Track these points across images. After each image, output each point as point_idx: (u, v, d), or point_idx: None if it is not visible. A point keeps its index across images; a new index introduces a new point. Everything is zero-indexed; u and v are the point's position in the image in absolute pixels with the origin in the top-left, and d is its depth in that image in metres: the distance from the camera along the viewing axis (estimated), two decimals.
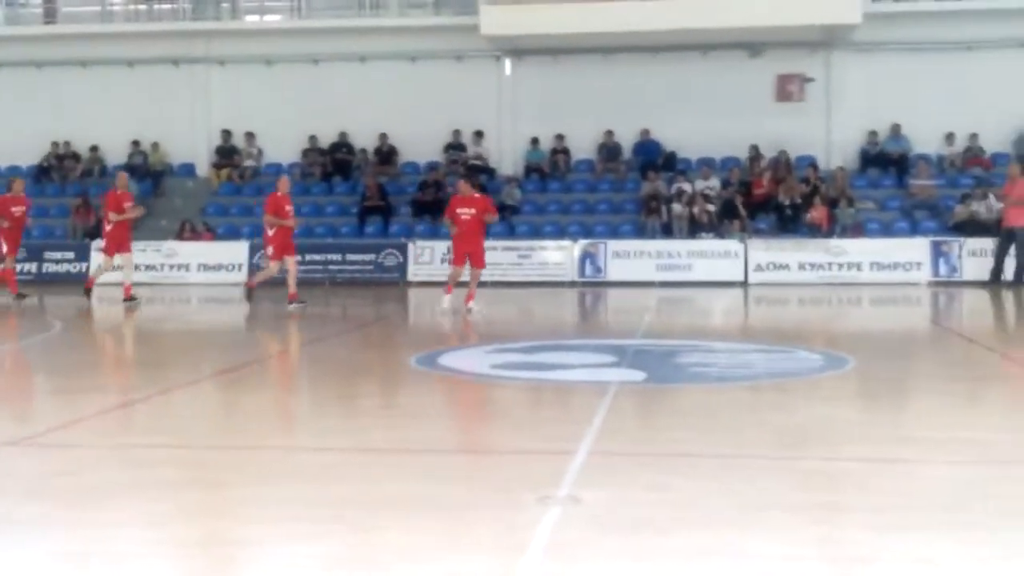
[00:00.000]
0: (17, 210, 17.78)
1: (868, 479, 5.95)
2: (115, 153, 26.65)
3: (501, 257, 22.26)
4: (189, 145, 26.65)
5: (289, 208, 16.50)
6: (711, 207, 23.16)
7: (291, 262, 16.50)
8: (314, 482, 5.77)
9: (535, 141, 25.45)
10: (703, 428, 7.41)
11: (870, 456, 6.52)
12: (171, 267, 22.98)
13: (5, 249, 17.64)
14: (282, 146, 26.24)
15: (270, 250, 16.53)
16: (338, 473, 6.00)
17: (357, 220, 24.16)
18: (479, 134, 25.58)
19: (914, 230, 22.58)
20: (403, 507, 5.23)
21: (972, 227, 21.76)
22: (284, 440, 7.10)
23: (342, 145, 26.00)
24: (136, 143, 26.60)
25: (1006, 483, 5.81)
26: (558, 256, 22.35)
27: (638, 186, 24.40)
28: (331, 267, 22.75)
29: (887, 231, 22.79)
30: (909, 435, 7.31)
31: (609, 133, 25.13)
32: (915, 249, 21.50)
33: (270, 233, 16.43)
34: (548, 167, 25.34)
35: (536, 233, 23.62)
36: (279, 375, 10.32)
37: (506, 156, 25.84)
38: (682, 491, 5.60)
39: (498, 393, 9.02)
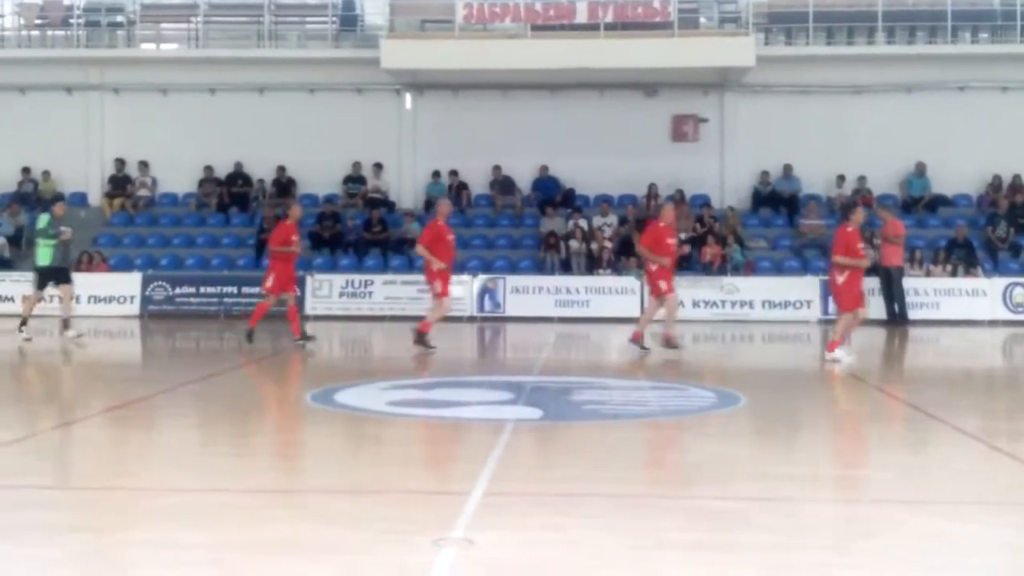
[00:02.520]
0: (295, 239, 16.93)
1: (758, 517, 6.05)
2: (5, 181, 25.98)
3: (400, 291, 22.21)
4: (81, 174, 26.11)
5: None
6: (609, 244, 23.41)
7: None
8: (201, 525, 5.66)
9: (436, 174, 25.49)
10: (598, 466, 7.45)
11: (760, 494, 6.63)
12: (60, 298, 22.34)
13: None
14: (178, 176, 25.86)
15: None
16: (226, 516, 5.89)
17: (254, 252, 23.88)
18: (379, 167, 25.53)
19: (804, 268, 23.09)
20: (292, 550, 5.16)
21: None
22: (171, 481, 6.95)
23: (239, 176, 25.73)
24: (27, 170, 25.98)
25: (890, 522, 5.94)
26: (457, 291, 22.27)
27: (537, 222, 24.57)
28: (227, 299, 22.43)
29: (778, 269, 23.28)
30: (798, 473, 7.45)
31: (497, 168, 25.25)
32: (805, 287, 21.99)
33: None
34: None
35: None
36: (170, 412, 10.12)
37: (406, 189, 25.83)
38: (576, 531, 5.63)
39: (393, 431, 8.96)
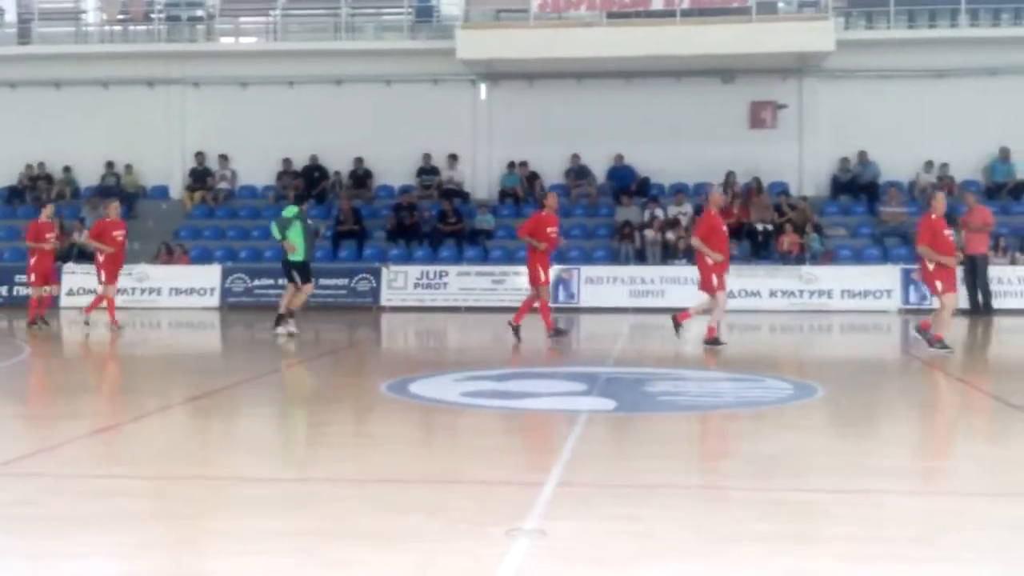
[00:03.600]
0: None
1: (836, 509, 5.98)
2: (89, 175, 26.54)
3: (475, 282, 22.28)
4: (163, 167, 26.57)
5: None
6: (684, 233, 23.23)
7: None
8: (282, 514, 5.74)
9: (511, 165, 25.50)
10: (672, 458, 7.42)
11: (838, 486, 6.55)
12: (143, 291, 22.84)
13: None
14: (257, 168, 26.20)
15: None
16: (306, 504, 5.97)
17: (331, 244, 24.11)
18: (453, 158, 25.62)
19: (885, 257, 22.72)
20: (371, 539, 5.21)
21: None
22: (251, 470, 7.06)
23: (315, 168, 25.98)
24: (110, 164, 26.50)
25: (971, 515, 5.84)
26: None
27: (611, 212, 24.47)
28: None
29: (858, 258, 22.93)
30: (877, 464, 7.34)
31: (576, 157, 25.20)
32: (886, 276, 21.63)
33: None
34: (522, 192, 25.38)
35: (510, 258, 23.61)
36: (249, 402, 10.27)
37: (480, 180, 25.88)
38: (650, 522, 5.61)
39: (467, 422, 9.00)
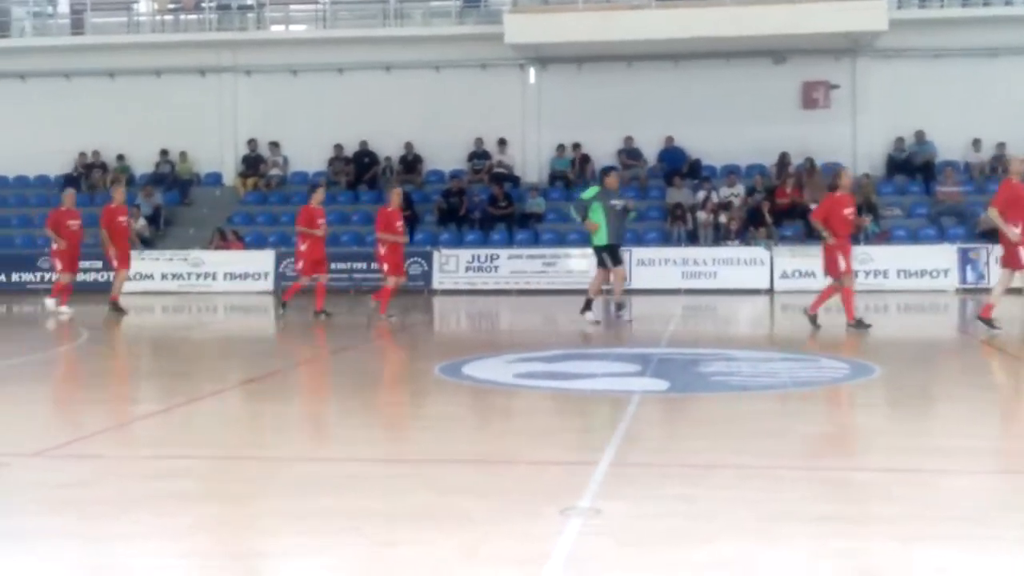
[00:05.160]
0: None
1: (891, 489, 5.91)
2: (143, 163, 26.85)
3: (526, 265, 22.31)
4: (216, 154, 26.82)
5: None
6: (737, 214, 23.09)
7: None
8: (335, 494, 5.78)
9: (560, 148, 25.46)
10: (726, 438, 7.37)
11: (893, 466, 6.48)
12: (197, 276, 23.09)
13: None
14: (308, 155, 26.37)
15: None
16: (359, 484, 6.00)
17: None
18: (503, 142, 25.61)
19: (941, 237, 22.43)
20: (423, 519, 5.23)
21: (1000, 234, 21.55)
22: (305, 451, 7.12)
23: (365, 154, 26.09)
24: (164, 152, 26.78)
25: None
26: (583, 264, 22.27)
27: (663, 194, 24.36)
28: (356, 275, 22.82)
29: (914, 238, 22.65)
30: (933, 445, 7.25)
31: (629, 139, 25.11)
32: (942, 256, 21.36)
33: (382, 251, 16.16)
34: (572, 175, 25.33)
35: (561, 241, 23.62)
36: (303, 385, 10.35)
37: (530, 164, 25.86)
38: (704, 502, 5.58)
39: (520, 403, 9.01)
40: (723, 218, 23.18)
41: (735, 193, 23.63)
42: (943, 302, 19.42)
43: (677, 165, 24.72)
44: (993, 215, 13.01)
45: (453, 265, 22.65)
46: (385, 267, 16.19)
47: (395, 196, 16.48)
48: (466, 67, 25.67)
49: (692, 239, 23.10)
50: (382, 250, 16.13)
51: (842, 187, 13.73)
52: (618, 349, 12.44)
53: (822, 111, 24.67)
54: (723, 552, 4.76)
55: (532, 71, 25.77)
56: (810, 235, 22.68)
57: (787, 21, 22.68)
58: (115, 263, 17.43)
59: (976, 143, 24.06)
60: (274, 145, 26.54)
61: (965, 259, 21.31)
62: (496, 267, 22.56)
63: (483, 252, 22.90)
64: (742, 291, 21.08)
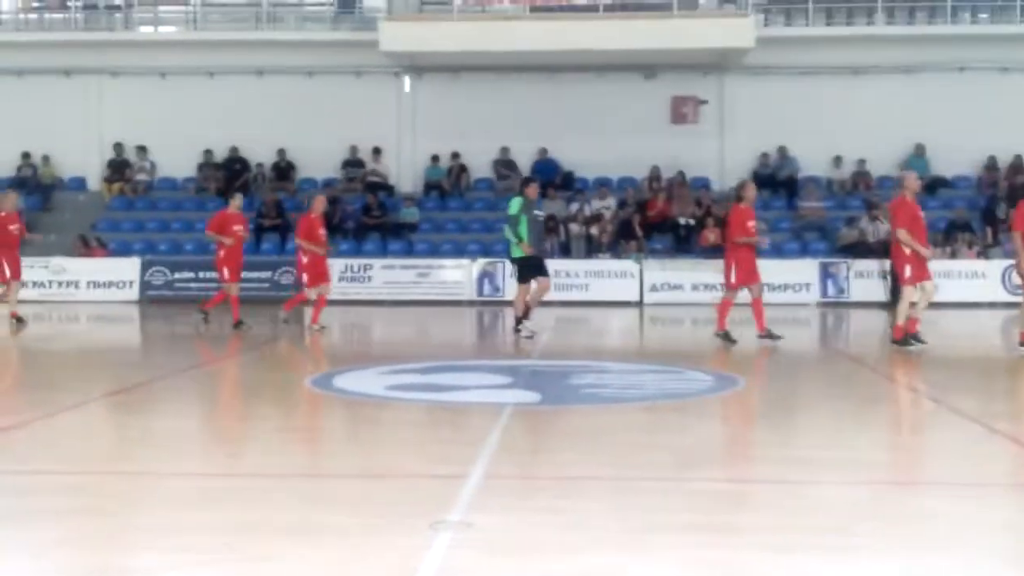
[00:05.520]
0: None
1: (758, 499, 6.07)
2: (4, 166, 25.96)
3: (399, 276, 22.24)
4: (80, 158, 26.10)
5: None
6: (608, 227, 23.40)
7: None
8: (204, 509, 5.68)
9: (435, 158, 25.47)
10: (597, 450, 7.47)
11: (760, 477, 6.65)
12: (59, 284, 22.42)
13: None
14: (176, 160, 25.85)
15: (305, 277, 15.92)
16: (229, 499, 5.91)
17: (253, 237, 23.84)
18: (377, 151, 25.51)
19: (803, 251, 23.08)
20: (293, 534, 5.17)
21: (859, 249, 22.32)
22: (173, 465, 6.97)
23: (236, 160, 25.70)
24: (26, 155, 25.95)
25: (890, 504, 5.96)
26: (457, 275, 22.38)
27: (537, 205, 24.49)
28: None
29: (777, 252, 23.24)
30: (798, 455, 7.46)
31: (505, 149, 25.28)
32: (804, 270, 21.98)
33: (304, 260, 15.76)
34: (448, 185, 25.36)
35: (435, 252, 23.62)
36: (171, 397, 10.13)
37: (405, 173, 25.81)
38: (575, 514, 5.64)
39: (392, 415, 8.98)
40: (595, 230, 23.47)
41: (607, 206, 23.96)
42: (804, 316, 19.99)
43: (550, 177, 24.95)
44: (904, 236, 12.93)
45: None
46: (304, 277, 15.82)
47: (318, 202, 16.07)
48: (340, 74, 25.49)
49: (565, 251, 23.32)
50: (304, 259, 15.77)
51: (746, 199, 13.91)
52: (491, 361, 12.49)
53: (691, 126, 25.18)
54: (593, 563, 4.82)
55: (407, 79, 25.74)
56: (679, 248, 23.17)
57: (657, 36, 23.09)
58: (7, 274, 16.52)
59: (837, 160, 24.84)
60: (141, 149, 25.95)
61: (826, 274, 21.98)
62: (369, 277, 22.43)
63: (356, 262, 22.74)
64: (613, 303, 21.36)
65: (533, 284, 14.73)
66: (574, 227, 23.59)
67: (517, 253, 14.52)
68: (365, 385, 10.17)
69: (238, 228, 16.04)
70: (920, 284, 12.92)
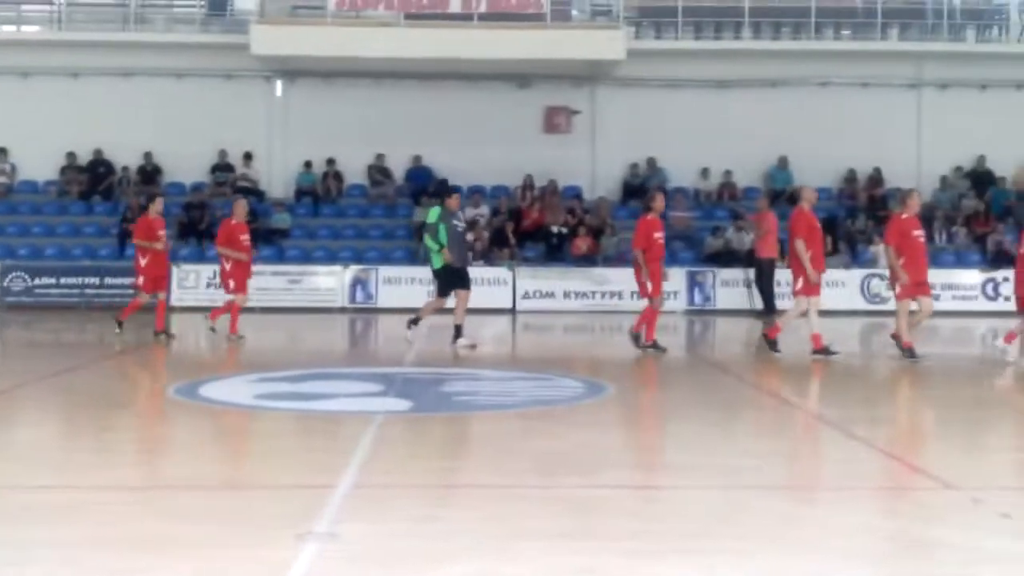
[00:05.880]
0: (162, 234, 15.64)
1: (622, 504, 6.13)
2: None
3: (270, 282, 21.88)
4: None
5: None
6: (482, 234, 23.46)
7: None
8: (57, 522, 5.49)
9: (308, 164, 25.20)
10: (467, 457, 7.48)
11: (626, 482, 6.73)
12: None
13: None
14: (38, 163, 25.04)
15: (231, 284, 15.40)
16: (84, 513, 5.73)
17: (117, 242, 23.25)
18: (248, 156, 25.11)
19: (672, 260, 23.43)
20: (153, 547, 5.04)
21: (725, 258, 22.80)
22: (25, 478, 6.72)
23: (101, 163, 25.03)
24: None
25: (750, 509, 6.08)
26: (329, 282, 22.16)
27: (410, 212, 24.47)
28: (88, 290, 21.84)
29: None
30: (663, 460, 7.58)
31: (381, 156, 25.16)
32: (672, 279, 22.24)
33: (227, 267, 15.30)
34: (321, 191, 25.11)
35: (307, 258, 23.35)
36: (27, 405, 9.79)
37: (276, 179, 25.45)
38: (444, 522, 5.63)
39: (260, 425, 8.83)
40: (469, 237, 23.46)
41: (480, 214, 24.01)
42: (672, 323, 20.30)
43: (424, 184, 24.91)
44: (800, 247, 13.19)
45: (193, 281, 21.98)
46: (231, 283, 15.42)
47: (239, 207, 15.67)
48: (210, 76, 25.02)
49: None
50: (226, 266, 15.38)
51: (655, 210, 14.01)
52: (362, 369, 12.39)
53: (564, 136, 25.41)
54: (459, 572, 4.81)
55: (279, 84, 25.40)
56: (551, 257, 23.35)
57: (531, 46, 23.25)
58: None
59: (704, 171, 25.34)
60: (1, 151, 25.07)
61: (693, 282, 22.39)
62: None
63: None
64: (486, 310, 21.39)
65: (452, 296, 14.48)
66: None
67: (438, 263, 14.24)
68: (232, 394, 9.99)
69: (162, 233, 15.49)
70: (808, 298, 13.21)
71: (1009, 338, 13.20)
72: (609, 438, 8.41)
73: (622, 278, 22.22)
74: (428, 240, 14.30)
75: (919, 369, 12.60)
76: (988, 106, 25.14)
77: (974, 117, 24.92)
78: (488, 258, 23.19)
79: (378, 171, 25.28)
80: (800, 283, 13.20)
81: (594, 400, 10.08)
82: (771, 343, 13.42)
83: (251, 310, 21.25)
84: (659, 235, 13.83)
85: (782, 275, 21.61)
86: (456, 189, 15.75)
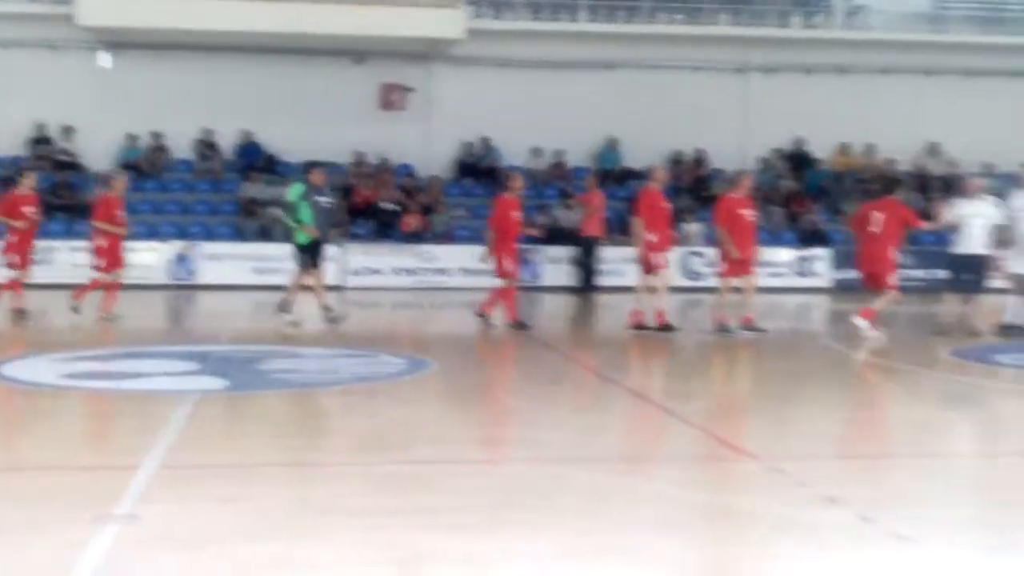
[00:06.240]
0: (29, 211, 14.80)
1: (437, 480, 6.15)
2: None
3: (86, 259, 21.09)
4: None
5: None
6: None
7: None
8: None
9: (132, 138, 24.41)
10: (281, 436, 7.38)
11: (441, 457, 6.75)
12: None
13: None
14: None
15: (103, 262, 14.77)
16: None
17: None
18: (69, 129, 24.17)
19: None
20: None
21: (553, 235, 23.01)
22: None
23: None
24: None
25: (565, 480, 6.15)
26: (148, 258, 21.49)
27: (237, 188, 23.96)
28: None
29: (477, 238, 23.64)
30: (480, 435, 7.63)
31: (210, 131, 24.55)
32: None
33: (104, 244, 14.69)
34: (145, 166, 24.36)
35: (128, 235, 22.58)
36: None
37: (99, 152, 24.54)
38: (253, 502, 5.55)
39: (65, 405, 8.53)
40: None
41: None
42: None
43: (253, 160, 24.42)
44: (637, 224, 13.58)
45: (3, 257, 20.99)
46: (103, 262, 14.84)
47: (118, 182, 15.23)
48: (32, 47, 23.96)
49: (265, 235, 22.86)
50: (103, 242, 14.78)
51: (511, 189, 14.19)
52: (177, 347, 12.08)
53: (399, 113, 25.22)
54: (261, 551, 4.75)
55: (105, 56, 24.47)
56: (381, 234, 23.20)
57: (367, 23, 22.96)
58: None
59: (536, 151, 25.55)
60: None
61: (522, 259, 22.50)
62: (52, 260, 21.14)
63: (40, 243, 21.33)
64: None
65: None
66: (275, 211, 23.15)
67: (302, 239, 14.10)
68: (37, 374, 9.63)
69: (29, 210, 14.76)
70: (658, 272, 13.69)
71: (866, 314, 13.56)
72: (427, 414, 8.41)
73: (451, 255, 22.30)
74: (285, 218, 14.38)
75: (735, 344, 13.01)
76: (811, 90, 26.04)
77: (798, 101, 25.78)
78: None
79: (206, 146, 24.67)
80: (654, 259, 13.57)
81: (416, 376, 10.07)
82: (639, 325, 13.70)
83: (65, 287, 20.50)
84: (516, 214, 14.08)
85: (608, 253, 22.15)
86: (318, 164, 15.54)
